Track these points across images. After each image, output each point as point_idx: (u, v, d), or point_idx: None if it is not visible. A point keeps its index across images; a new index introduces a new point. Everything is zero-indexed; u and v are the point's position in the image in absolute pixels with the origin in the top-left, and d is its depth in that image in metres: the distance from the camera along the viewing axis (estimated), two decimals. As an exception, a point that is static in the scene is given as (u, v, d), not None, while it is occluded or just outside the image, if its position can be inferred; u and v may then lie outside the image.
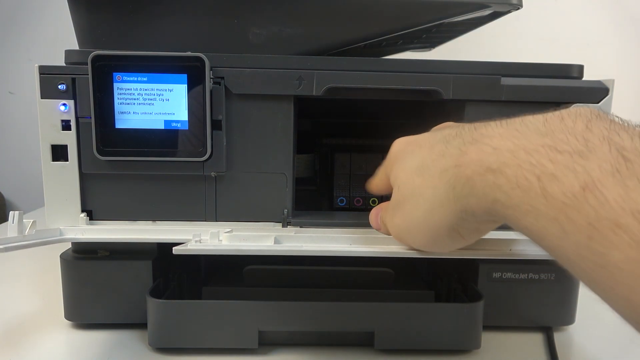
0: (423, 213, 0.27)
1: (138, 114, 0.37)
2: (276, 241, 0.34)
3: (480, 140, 0.24)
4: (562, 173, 0.19)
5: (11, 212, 0.34)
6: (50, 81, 0.37)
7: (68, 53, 0.38)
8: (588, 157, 0.19)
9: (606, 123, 0.20)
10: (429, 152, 0.28)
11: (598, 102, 0.39)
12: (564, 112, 0.22)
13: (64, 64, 0.38)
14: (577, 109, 0.22)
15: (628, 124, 0.20)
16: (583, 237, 0.18)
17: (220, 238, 0.34)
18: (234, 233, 0.35)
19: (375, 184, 0.36)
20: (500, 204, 0.22)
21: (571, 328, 0.44)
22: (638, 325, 0.18)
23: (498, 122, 0.25)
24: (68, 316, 0.42)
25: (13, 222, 0.34)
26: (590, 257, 0.18)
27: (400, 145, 0.32)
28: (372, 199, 0.46)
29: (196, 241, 0.33)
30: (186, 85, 0.37)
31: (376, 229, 0.35)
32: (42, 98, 0.37)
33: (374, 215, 0.35)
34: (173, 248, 0.32)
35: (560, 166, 0.19)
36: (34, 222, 0.35)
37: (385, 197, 0.46)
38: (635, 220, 0.17)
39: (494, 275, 0.42)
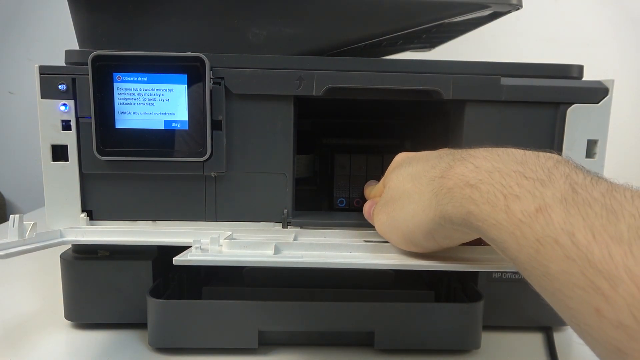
0: (406, 214, 0.31)
1: (138, 114, 0.37)
2: (276, 249, 0.34)
3: (466, 159, 0.28)
4: (524, 195, 0.23)
5: (11, 216, 0.34)
6: (51, 81, 0.37)
7: (68, 53, 0.38)
8: (547, 185, 0.23)
9: (571, 166, 0.25)
10: (424, 164, 0.32)
11: (598, 102, 0.39)
12: (541, 153, 0.27)
13: (64, 64, 0.38)
14: (552, 154, 0.26)
15: (588, 171, 0.24)
16: (532, 250, 0.22)
17: (221, 243, 0.34)
18: (234, 239, 0.35)
19: (374, 194, 0.39)
20: (473, 215, 0.25)
21: (571, 328, 0.44)
22: (576, 327, 0.21)
23: (485, 148, 0.29)
24: (68, 316, 0.42)
25: (13, 226, 0.34)
26: (538, 267, 0.22)
27: (400, 158, 0.36)
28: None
29: (196, 248, 0.33)
30: (186, 85, 0.37)
31: (367, 219, 0.38)
32: (42, 98, 0.37)
33: (367, 206, 0.38)
34: (173, 259, 0.32)
35: (524, 189, 0.23)
36: (34, 225, 0.35)
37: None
38: (570, 240, 0.20)
39: (494, 275, 0.42)
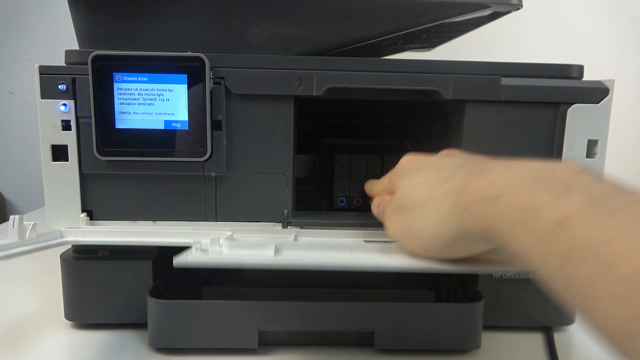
0: (423, 225, 0.31)
1: (138, 114, 0.37)
2: (277, 250, 0.34)
3: (480, 175, 0.28)
4: (545, 207, 0.23)
5: (11, 217, 0.33)
6: (51, 81, 0.37)
7: (68, 53, 0.38)
8: (565, 198, 0.23)
9: (590, 176, 0.24)
10: (435, 175, 0.32)
11: (598, 102, 0.39)
12: (556, 164, 0.26)
13: (64, 64, 0.38)
14: (568, 163, 0.26)
15: (609, 180, 0.24)
16: (556, 263, 0.22)
17: (221, 243, 0.34)
18: (234, 239, 0.35)
19: (377, 190, 0.39)
20: (492, 231, 0.26)
21: (571, 328, 0.44)
22: (606, 339, 0.20)
23: (499, 162, 0.29)
24: (68, 316, 0.42)
25: (13, 227, 0.33)
26: (563, 279, 0.22)
27: (409, 161, 0.36)
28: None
29: (196, 249, 0.33)
30: (186, 85, 0.37)
31: (376, 217, 0.37)
32: (42, 98, 0.37)
33: (376, 204, 0.37)
34: (173, 260, 0.32)
35: (545, 202, 0.23)
36: (34, 225, 0.35)
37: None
38: (592, 252, 0.20)
39: (494, 275, 0.42)
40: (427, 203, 0.31)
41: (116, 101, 0.37)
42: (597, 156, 0.40)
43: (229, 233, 0.38)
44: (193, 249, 0.33)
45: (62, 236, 0.38)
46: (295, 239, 0.38)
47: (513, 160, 0.28)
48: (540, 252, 0.23)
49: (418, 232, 0.31)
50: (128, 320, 0.41)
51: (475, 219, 0.27)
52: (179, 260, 0.32)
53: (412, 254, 0.33)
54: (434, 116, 0.49)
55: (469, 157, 0.33)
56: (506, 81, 0.39)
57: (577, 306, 0.22)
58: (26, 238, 0.34)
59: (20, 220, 0.34)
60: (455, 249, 0.30)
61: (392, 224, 0.34)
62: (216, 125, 0.38)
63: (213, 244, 0.34)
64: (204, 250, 0.33)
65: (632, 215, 0.20)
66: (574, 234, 0.21)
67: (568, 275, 0.21)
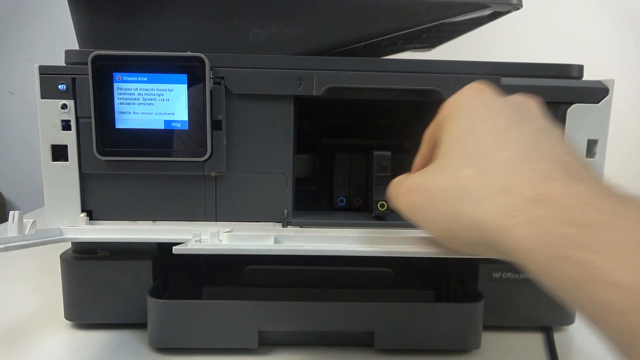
0: (453, 213, 0.24)
1: (138, 114, 0.37)
2: (276, 241, 0.34)
3: (567, 186, 0.21)
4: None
5: (11, 212, 0.34)
6: (50, 81, 0.37)
7: (68, 53, 0.38)
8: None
9: None
10: (496, 148, 0.24)
11: (598, 102, 0.39)
12: None
13: (64, 64, 0.38)
14: None
15: None
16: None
17: (221, 238, 0.34)
18: (234, 233, 0.35)
19: (417, 163, 0.31)
20: (566, 262, 0.20)
21: (571, 328, 0.44)
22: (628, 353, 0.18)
23: (587, 179, 0.22)
24: (68, 316, 0.42)
25: (13, 222, 0.34)
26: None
27: (466, 97, 0.27)
28: (380, 203, 0.45)
29: (196, 241, 0.33)
30: (186, 85, 0.37)
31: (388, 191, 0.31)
32: (42, 98, 0.37)
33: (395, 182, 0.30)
34: (173, 248, 0.32)
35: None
36: (34, 222, 0.35)
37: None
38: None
39: (494, 275, 0.42)
40: (469, 186, 0.23)
41: (116, 101, 0.37)
42: (597, 156, 0.40)
43: (229, 229, 0.38)
44: (193, 241, 0.33)
45: (61, 234, 0.38)
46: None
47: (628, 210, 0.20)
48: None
49: (443, 217, 0.25)
50: (128, 320, 0.41)
51: (544, 241, 0.20)
52: (178, 248, 0.32)
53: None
54: (433, 116, 0.49)
55: (565, 145, 0.24)
56: (506, 81, 0.39)
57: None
58: (25, 233, 0.34)
59: (20, 216, 0.34)
60: (478, 252, 0.25)
61: (411, 199, 0.27)
62: (216, 125, 0.38)
63: (212, 237, 0.34)
64: (203, 241, 0.33)
65: None
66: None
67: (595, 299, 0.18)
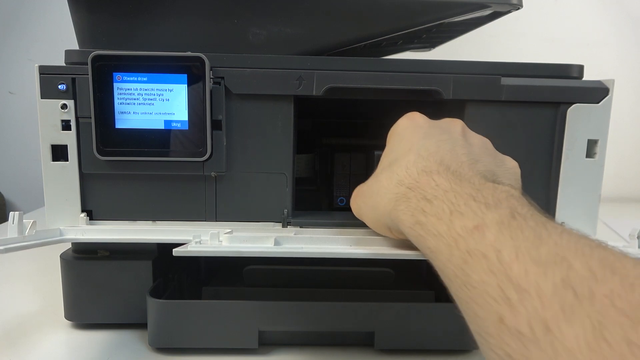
0: (374, 206, 0.33)
1: (138, 114, 0.37)
2: (276, 242, 0.34)
3: (430, 175, 0.30)
4: (467, 213, 0.25)
5: (11, 213, 0.34)
6: (50, 81, 0.37)
7: (68, 53, 0.38)
8: (490, 209, 0.25)
9: (522, 201, 0.27)
10: (404, 156, 0.32)
11: (598, 102, 0.39)
12: (500, 186, 0.29)
13: (64, 64, 0.38)
14: (511, 189, 0.28)
15: (538, 208, 0.27)
16: (461, 260, 0.24)
17: (221, 239, 0.34)
18: (234, 234, 0.35)
19: None
20: (419, 225, 0.28)
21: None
22: (478, 336, 0.22)
23: (454, 170, 0.30)
24: (68, 316, 0.42)
25: (13, 223, 0.34)
26: (461, 276, 0.24)
27: (399, 127, 0.36)
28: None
29: (196, 242, 0.33)
30: (186, 85, 0.37)
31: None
32: (42, 98, 0.37)
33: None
34: (173, 250, 0.32)
35: (469, 209, 0.26)
36: (34, 223, 0.35)
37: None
38: (495, 256, 0.22)
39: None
40: (381, 185, 0.32)
41: (116, 101, 0.37)
42: (597, 156, 0.40)
43: (229, 230, 0.38)
44: (193, 242, 0.33)
45: (61, 234, 0.38)
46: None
47: (467, 172, 0.30)
48: (450, 249, 0.25)
49: (366, 208, 0.34)
50: (128, 320, 0.41)
51: (409, 212, 0.29)
52: (178, 250, 0.32)
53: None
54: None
55: (445, 149, 0.33)
56: (506, 81, 0.39)
57: (463, 304, 0.24)
58: (26, 234, 0.34)
59: (20, 216, 0.34)
60: (393, 232, 0.32)
61: (355, 202, 0.35)
62: (216, 125, 0.38)
63: (212, 239, 0.34)
64: (203, 243, 0.33)
65: (539, 232, 0.23)
66: (483, 238, 0.24)
67: (466, 273, 0.23)
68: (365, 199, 0.34)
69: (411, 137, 0.34)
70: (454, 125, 0.35)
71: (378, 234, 0.35)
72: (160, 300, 0.38)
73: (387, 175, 0.32)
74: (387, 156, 0.35)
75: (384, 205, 0.31)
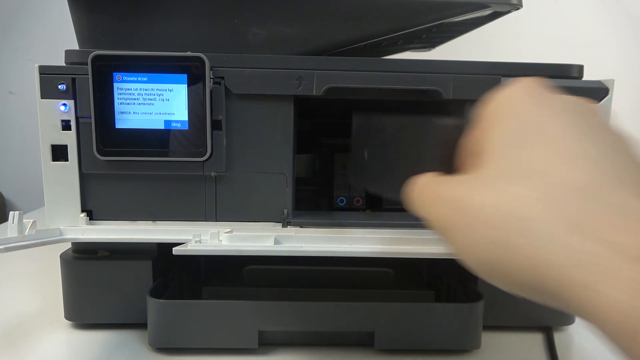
0: (500, 243, 0.19)
1: (138, 114, 0.37)
2: (276, 241, 0.34)
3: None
4: None
5: (11, 212, 0.34)
6: (50, 81, 0.37)
7: (68, 53, 0.38)
8: None
9: None
10: (564, 167, 0.19)
11: (598, 102, 0.39)
12: None
13: (64, 64, 0.38)
14: None
15: None
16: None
17: (221, 238, 0.34)
18: (234, 233, 0.35)
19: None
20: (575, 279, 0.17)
21: (571, 328, 0.44)
22: None
23: None
24: (68, 316, 0.42)
25: (13, 222, 0.34)
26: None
27: (513, 105, 0.22)
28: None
29: (196, 241, 0.33)
30: (186, 85, 0.37)
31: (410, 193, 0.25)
32: (42, 98, 0.37)
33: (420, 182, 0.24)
34: (173, 249, 0.32)
35: None
36: (34, 222, 0.35)
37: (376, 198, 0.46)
38: None
39: (494, 275, 0.42)
40: (537, 208, 0.18)
41: (116, 101, 0.37)
42: (597, 156, 0.40)
43: (229, 229, 0.38)
44: (193, 241, 0.33)
45: (61, 234, 0.38)
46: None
47: None
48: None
49: (491, 248, 0.19)
50: (128, 320, 0.41)
51: (617, 285, 0.16)
52: (178, 249, 0.32)
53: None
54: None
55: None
56: (506, 81, 0.39)
57: None
58: (26, 234, 0.34)
59: (20, 216, 0.34)
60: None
61: (439, 211, 0.21)
62: (216, 125, 0.38)
63: (212, 238, 0.34)
64: (203, 242, 0.33)
65: None
66: None
67: None
68: (473, 220, 0.20)
69: (552, 129, 0.20)
70: (594, 112, 0.22)
71: (377, 234, 0.35)
72: (160, 300, 0.38)
73: (531, 196, 0.19)
74: (508, 150, 0.21)
75: (544, 261, 0.18)
